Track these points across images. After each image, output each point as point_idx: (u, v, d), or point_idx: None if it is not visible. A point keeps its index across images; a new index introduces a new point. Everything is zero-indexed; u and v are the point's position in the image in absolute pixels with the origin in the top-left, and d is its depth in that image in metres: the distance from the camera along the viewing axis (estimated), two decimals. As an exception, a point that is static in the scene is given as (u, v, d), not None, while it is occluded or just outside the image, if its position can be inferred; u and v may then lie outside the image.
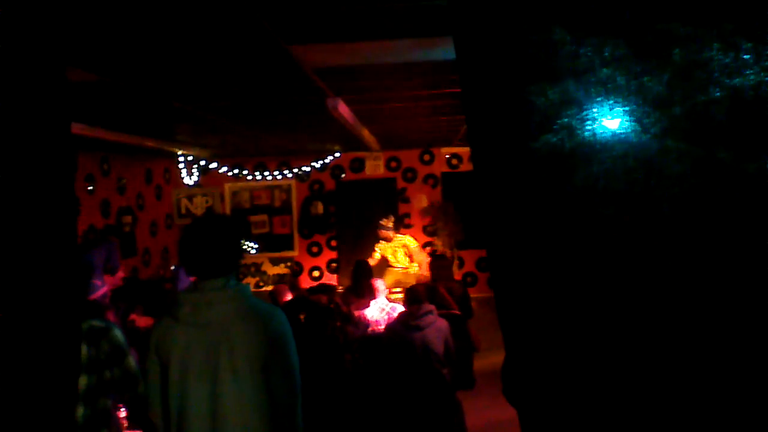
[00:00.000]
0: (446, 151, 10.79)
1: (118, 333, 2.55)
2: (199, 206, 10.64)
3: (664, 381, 1.05)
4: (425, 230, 10.81)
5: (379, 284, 6.09)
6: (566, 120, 0.97)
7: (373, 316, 5.58)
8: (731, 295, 1.00)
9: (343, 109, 5.37)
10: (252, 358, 2.16)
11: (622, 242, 0.98)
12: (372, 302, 5.77)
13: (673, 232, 0.98)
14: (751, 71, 1.02)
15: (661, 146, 0.98)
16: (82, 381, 2.40)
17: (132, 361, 2.58)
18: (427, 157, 10.89)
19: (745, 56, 1.02)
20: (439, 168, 10.89)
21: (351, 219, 10.54)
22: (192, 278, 2.38)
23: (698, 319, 0.98)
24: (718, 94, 1.01)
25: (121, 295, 6.83)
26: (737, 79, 1.02)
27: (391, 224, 8.31)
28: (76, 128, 6.02)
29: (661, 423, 1.06)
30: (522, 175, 1.00)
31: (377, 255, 8.28)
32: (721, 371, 0.97)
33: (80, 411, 2.39)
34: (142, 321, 5.86)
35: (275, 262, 10.98)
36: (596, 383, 1.09)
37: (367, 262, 6.77)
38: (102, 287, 6.81)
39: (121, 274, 7.22)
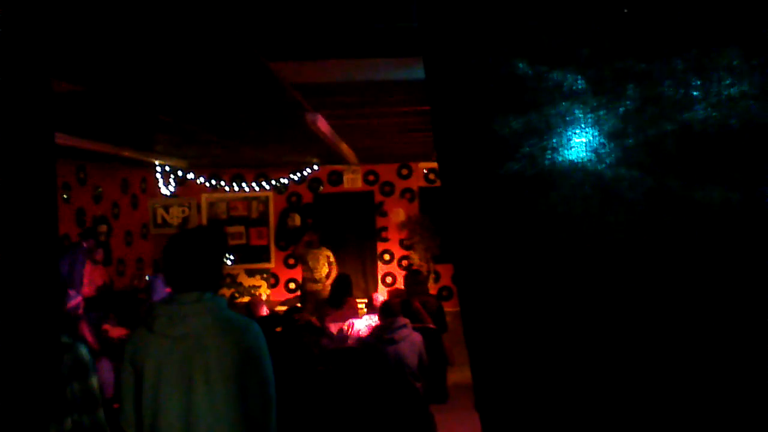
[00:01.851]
0: (424, 166, 10.90)
1: (83, 350, 2.50)
2: (175, 216, 10.59)
3: (622, 397, 1.12)
4: (402, 244, 10.87)
5: (380, 300, 6.15)
6: (528, 149, 1.04)
7: (360, 331, 5.61)
8: (678, 312, 1.07)
9: (322, 124, 5.43)
10: (226, 371, 2.19)
11: (578, 263, 1.05)
12: (364, 317, 5.81)
13: (626, 255, 1.06)
14: (700, 107, 1.10)
15: (616, 175, 1.05)
16: None
17: (95, 382, 2.50)
18: (405, 172, 10.98)
19: (694, 93, 1.10)
20: (416, 182, 10.98)
21: (328, 232, 10.54)
22: (168, 289, 2.41)
23: (648, 330, 1.05)
24: (669, 127, 1.09)
25: (95, 305, 6.79)
26: (687, 114, 1.10)
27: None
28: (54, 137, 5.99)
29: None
30: (486, 199, 1.07)
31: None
32: (665, 388, 1.04)
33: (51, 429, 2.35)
34: (115, 331, 5.83)
35: (251, 273, 10.95)
36: (555, 398, 1.15)
37: (349, 277, 6.84)
38: (75, 297, 6.76)
39: (85, 289, 7.15)
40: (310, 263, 8.56)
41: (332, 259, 8.64)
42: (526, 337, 1.12)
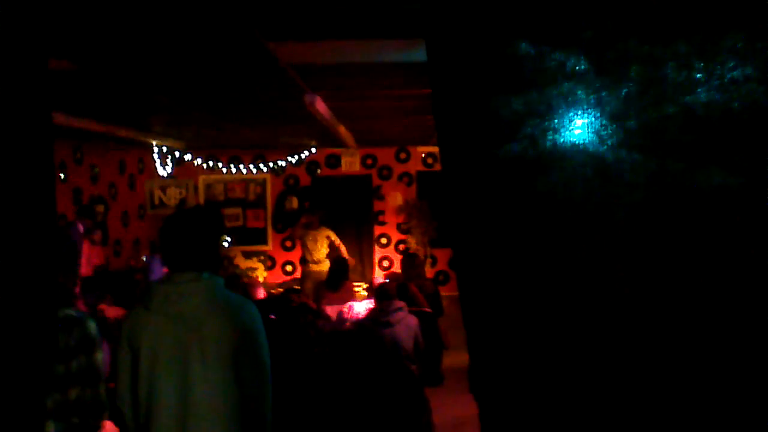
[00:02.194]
0: (422, 150, 10.87)
1: (92, 325, 2.52)
2: (172, 197, 10.57)
3: (619, 380, 1.12)
4: (399, 228, 10.88)
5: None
6: (529, 130, 1.03)
7: (359, 314, 5.62)
8: (679, 295, 1.07)
9: (320, 106, 5.41)
10: (222, 350, 2.19)
11: (578, 246, 1.04)
12: (364, 301, 5.82)
13: (627, 237, 1.05)
14: (702, 89, 1.09)
15: (617, 157, 1.05)
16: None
17: (100, 357, 2.52)
18: (403, 156, 10.96)
19: (697, 75, 1.09)
20: (414, 166, 10.96)
21: (326, 215, 10.54)
22: (165, 269, 2.41)
23: (649, 316, 1.05)
24: (671, 110, 1.08)
25: (91, 285, 6.79)
26: (689, 97, 1.09)
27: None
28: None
29: (619, 421, 1.13)
30: (487, 181, 1.06)
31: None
32: (665, 370, 1.04)
33: (48, 399, 2.38)
34: (111, 311, 5.84)
35: (248, 255, 10.96)
36: (552, 382, 1.15)
37: (347, 261, 6.86)
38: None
39: (82, 270, 7.15)
40: (309, 245, 8.59)
41: (334, 237, 8.64)
42: (525, 321, 1.11)
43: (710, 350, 1.06)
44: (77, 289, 6.39)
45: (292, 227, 9.44)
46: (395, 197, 10.96)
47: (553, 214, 1.04)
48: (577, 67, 1.03)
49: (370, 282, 6.32)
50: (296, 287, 7.71)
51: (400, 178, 10.98)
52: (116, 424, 2.79)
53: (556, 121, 1.03)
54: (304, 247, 8.69)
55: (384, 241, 10.99)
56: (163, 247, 2.32)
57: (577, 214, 1.04)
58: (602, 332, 1.11)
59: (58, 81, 4.54)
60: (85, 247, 7.33)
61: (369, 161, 10.98)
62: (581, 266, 1.05)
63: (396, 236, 10.92)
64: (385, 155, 10.94)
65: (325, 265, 8.49)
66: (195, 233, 2.29)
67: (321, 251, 8.65)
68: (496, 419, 1.22)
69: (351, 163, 11.01)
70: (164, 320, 2.21)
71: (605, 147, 1.04)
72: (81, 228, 7.20)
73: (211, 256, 2.32)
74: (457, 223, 1.10)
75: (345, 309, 5.61)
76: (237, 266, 10.88)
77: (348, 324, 5.44)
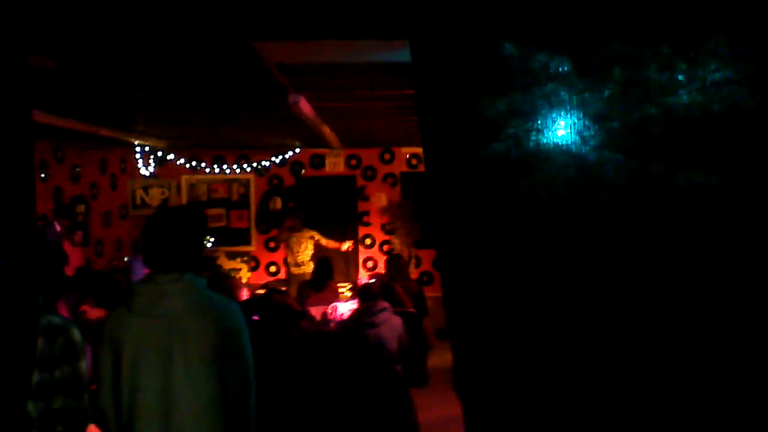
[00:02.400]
0: (406, 151, 10.88)
1: (76, 332, 2.48)
2: (155, 197, 10.48)
3: (600, 377, 1.12)
4: (383, 229, 10.87)
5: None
6: (513, 130, 1.04)
7: (343, 315, 5.61)
8: (660, 293, 1.08)
9: (304, 106, 5.39)
10: (205, 350, 2.18)
11: (560, 245, 1.05)
12: (349, 301, 5.82)
13: (608, 238, 1.06)
14: (684, 91, 1.10)
15: (600, 157, 1.05)
16: (35, 377, 2.35)
17: (84, 365, 2.49)
18: (387, 156, 10.95)
19: (679, 77, 1.11)
20: (398, 167, 10.95)
21: (310, 215, 10.51)
22: (147, 270, 2.39)
23: (627, 311, 1.06)
24: (653, 111, 1.09)
25: (73, 286, 6.71)
26: (671, 98, 1.10)
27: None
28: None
29: (600, 416, 1.13)
30: (470, 181, 1.07)
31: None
32: (642, 366, 1.05)
33: (32, 407, 2.34)
34: (93, 313, 5.77)
35: (231, 256, 10.90)
36: (535, 380, 1.15)
37: (331, 261, 6.85)
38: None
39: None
40: (293, 247, 8.60)
41: (318, 236, 8.68)
42: (508, 320, 1.12)
43: (689, 345, 1.07)
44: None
45: (277, 231, 9.45)
46: (380, 198, 10.95)
47: (536, 213, 1.04)
48: (560, 69, 1.03)
49: (354, 283, 6.32)
50: (282, 288, 7.70)
51: (385, 178, 10.97)
52: (99, 426, 2.76)
53: (539, 121, 1.03)
54: (288, 249, 8.70)
55: (368, 241, 10.98)
56: (145, 247, 2.30)
57: (559, 213, 1.04)
58: (584, 330, 1.11)
59: (38, 79, 4.49)
60: (66, 248, 7.25)
61: (353, 162, 10.96)
62: (564, 265, 1.05)
63: (380, 237, 10.92)
64: (370, 156, 10.93)
65: (309, 268, 8.52)
66: (177, 233, 2.27)
67: (305, 253, 8.66)
68: (480, 417, 1.22)
69: (335, 164, 10.98)
70: (146, 321, 2.19)
71: (588, 147, 1.04)
72: (58, 227, 7.09)
73: (194, 256, 2.30)
74: (440, 222, 1.11)
75: (329, 310, 5.60)
76: (220, 266, 10.81)
77: (332, 325, 5.43)
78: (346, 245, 8.99)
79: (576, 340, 1.13)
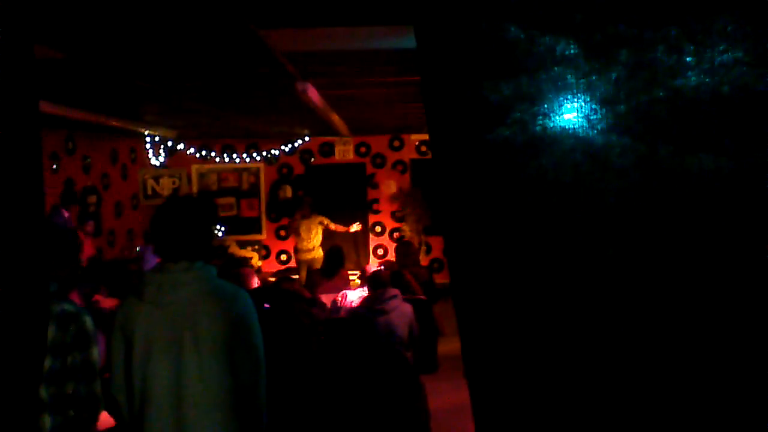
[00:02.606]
0: (416, 138, 10.85)
1: (88, 320, 2.50)
2: (165, 187, 10.52)
3: (610, 364, 1.12)
4: (393, 216, 10.88)
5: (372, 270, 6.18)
6: (519, 114, 1.03)
7: (352, 302, 5.63)
8: (669, 277, 1.07)
9: (313, 94, 5.38)
10: (216, 339, 2.19)
11: (567, 230, 1.05)
12: (358, 289, 5.83)
13: (616, 221, 1.05)
14: (692, 73, 1.09)
15: (607, 141, 1.05)
16: (47, 362, 2.39)
17: (96, 352, 2.51)
18: (396, 144, 10.93)
19: (687, 59, 1.09)
20: (408, 154, 10.94)
21: (320, 203, 10.54)
22: (158, 259, 2.40)
23: (635, 294, 1.06)
24: (661, 94, 1.08)
25: (85, 276, 6.76)
26: (679, 80, 1.09)
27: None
28: (40, 106, 5.92)
29: (606, 406, 1.13)
30: (477, 165, 1.06)
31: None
32: (650, 351, 1.04)
33: (44, 392, 2.37)
34: (106, 302, 5.82)
35: (242, 245, 10.94)
36: (542, 366, 1.15)
37: (341, 249, 6.88)
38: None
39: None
40: (303, 233, 8.71)
41: (327, 221, 8.87)
42: (515, 305, 1.12)
43: (700, 331, 1.07)
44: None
45: (289, 222, 9.56)
46: (389, 185, 10.94)
47: (543, 197, 1.04)
48: (566, 52, 1.02)
49: (363, 270, 6.33)
50: (293, 276, 7.75)
51: (394, 166, 10.96)
52: (111, 413, 2.79)
53: (545, 105, 1.02)
54: (298, 236, 8.79)
55: (378, 229, 10.99)
56: (155, 236, 2.31)
57: (566, 198, 1.04)
58: (593, 315, 1.11)
59: (47, 70, 4.50)
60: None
61: (363, 149, 10.95)
62: (571, 250, 1.05)
63: (390, 224, 10.92)
64: (379, 143, 10.92)
65: (318, 253, 8.60)
66: (187, 222, 2.28)
67: (315, 239, 8.75)
68: (488, 404, 1.22)
69: (345, 152, 10.98)
70: (157, 310, 2.21)
71: (595, 131, 1.03)
72: (66, 214, 7.10)
73: (204, 245, 2.31)
74: (446, 207, 1.10)
75: (339, 297, 5.62)
76: (233, 255, 10.85)
77: (342, 312, 5.45)
78: (355, 227, 9.09)
79: (584, 324, 1.12)
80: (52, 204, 7.75)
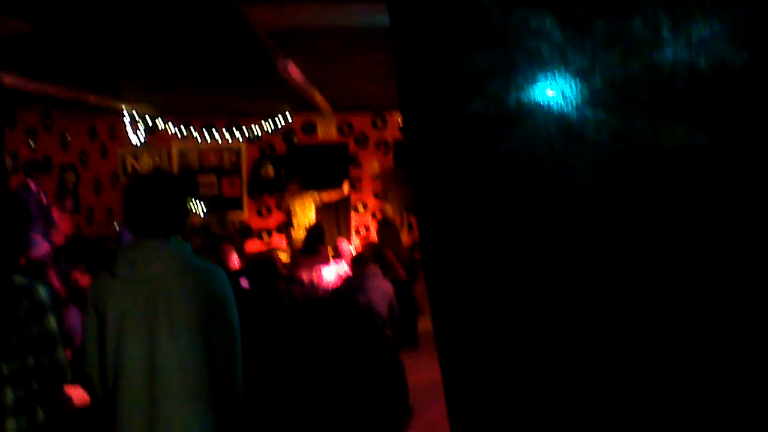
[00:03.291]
0: (399, 117, 10.80)
1: (41, 291, 2.44)
2: (145, 165, 10.41)
3: (582, 340, 1.12)
4: (376, 195, 10.85)
5: (345, 246, 6.16)
6: (492, 88, 1.01)
7: (328, 280, 5.62)
8: (641, 253, 1.07)
9: (293, 71, 5.32)
10: (191, 316, 2.17)
11: (541, 205, 1.03)
12: (332, 265, 5.81)
13: (589, 196, 1.04)
14: (670, 48, 1.07)
15: (581, 116, 1.03)
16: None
17: (53, 322, 2.46)
18: (379, 123, 10.88)
19: (664, 33, 1.07)
20: (391, 134, 10.89)
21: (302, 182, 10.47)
22: (136, 237, 2.36)
23: (612, 274, 1.05)
24: (637, 67, 1.06)
25: (64, 254, 6.68)
26: (656, 54, 1.07)
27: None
28: (16, 81, 5.79)
29: (575, 378, 1.13)
30: (448, 139, 1.04)
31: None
32: (623, 335, 1.04)
33: (4, 367, 2.33)
34: (85, 279, 5.77)
35: (222, 222, 10.87)
36: (516, 343, 1.15)
37: (322, 227, 6.87)
38: (43, 244, 6.64)
39: (54, 238, 6.96)
40: (297, 210, 8.83)
41: (317, 195, 9.02)
42: (485, 279, 1.11)
43: (673, 304, 1.06)
44: (49, 259, 6.29)
45: (278, 200, 9.60)
46: (372, 165, 10.90)
47: (516, 172, 1.02)
48: (541, 24, 1.00)
49: (335, 247, 6.29)
50: (281, 254, 7.80)
51: (377, 145, 10.91)
52: (85, 389, 2.77)
53: (519, 78, 1.01)
54: (291, 214, 8.89)
55: (361, 208, 10.97)
56: (128, 211, 2.27)
57: (539, 172, 1.02)
58: (564, 290, 1.10)
59: (19, 44, 4.40)
60: (55, 215, 7.19)
61: (345, 129, 10.89)
62: (543, 225, 1.04)
63: (373, 204, 10.90)
64: (362, 122, 10.86)
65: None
66: (159, 197, 2.24)
67: (308, 216, 8.84)
68: (459, 381, 1.22)
69: (327, 131, 10.91)
70: (131, 286, 2.18)
71: (569, 105, 1.02)
72: (33, 185, 6.86)
73: (176, 220, 2.27)
74: (418, 183, 1.09)
75: (314, 276, 5.61)
76: (214, 233, 10.78)
77: (320, 291, 5.45)
78: (346, 189, 9.25)
79: (554, 298, 1.12)
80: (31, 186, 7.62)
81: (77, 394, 2.60)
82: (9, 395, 2.33)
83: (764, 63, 1.03)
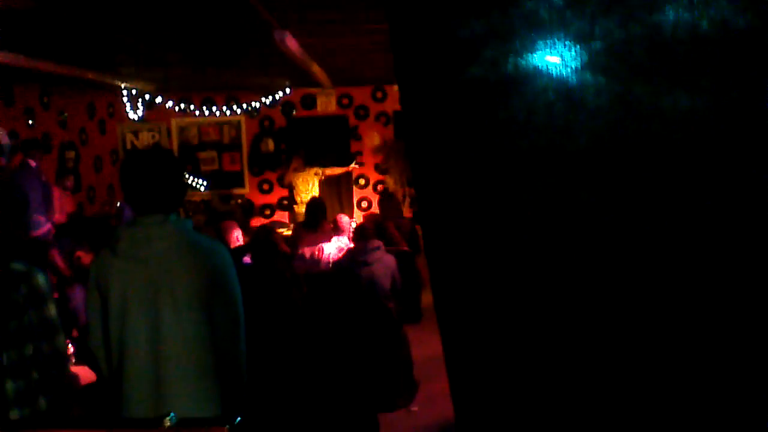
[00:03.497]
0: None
1: (40, 278, 2.42)
2: (145, 141, 10.37)
3: (582, 316, 1.11)
4: (377, 168, 10.81)
5: (345, 221, 6.15)
6: (490, 53, 0.99)
7: (330, 254, 5.62)
8: (642, 221, 1.05)
9: (291, 43, 5.25)
10: (193, 292, 2.17)
11: (539, 172, 1.02)
12: (333, 240, 5.81)
13: (589, 163, 1.03)
14: (671, 9, 1.05)
15: (581, 80, 1.01)
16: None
17: (53, 309, 2.45)
18: (379, 95, 10.79)
19: (665, -7, 1.05)
20: (391, 106, 10.81)
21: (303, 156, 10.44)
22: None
23: (610, 241, 1.04)
24: (638, 30, 1.03)
25: (67, 233, 6.69)
26: (656, 16, 1.05)
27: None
28: (12, 59, 5.73)
29: (576, 360, 1.13)
30: (446, 108, 1.02)
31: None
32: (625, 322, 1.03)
33: (4, 357, 2.31)
34: (88, 258, 5.78)
35: (225, 199, 10.86)
36: (516, 316, 1.14)
37: (323, 201, 6.86)
38: (45, 224, 6.65)
39: (56, 216, 6.94)
40: (300, 186, 8.85)
41: (320, 171, 9.08)
42: (484, 251, 1.09)
43: (674, 277, 1.05)
44: (50, 237, 6.30)
45: (281, 175, 9.60)
46: (372, 137, 10.85)
47: (515, 139, 1.01)
48: (539, -15, 0.98)
49: (334, 221, 6.24)
50: (279, 230, 7.78)
51: (377, 117, 10.84)
52: (91, 367, 2.79)
53: (517, 43, 0.98)
54: (294, 189, 8.92)
55: (362, 182, 10.94)
56: (126, 189, 2.26)
57: (538, 138, 1.01)
58: (564, 261, 1.09)
59: (17, 20, 4.35)
60: (57, 194, 7.18)
61: (345, 101, 10.81)
62: (543, 193, 1.02)
63: (374, 176, 10.87)
64: (362, 95, 10.77)
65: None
66: (157, 173, 2.22)
67: (311, 191, 8.87)
68: (460, 355, 1.22)
69: (327, 104, 10.83)
70: (132, 264, 2.17)
71: (569, 70, 1.00)
72: (33, 164, 6.76)
73: (176, 197, 2.26)
74: (415, 153, 1.07)
75: (315, 251, 5.61)
76: (214, 209, 10.78)
77: (322, 265, 5.45)
78: (353, 165, 9.27)
79: (553, 270, 1.11)
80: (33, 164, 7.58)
81: (83, 373, 2.61)
82: (10, 386, 2.32)
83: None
